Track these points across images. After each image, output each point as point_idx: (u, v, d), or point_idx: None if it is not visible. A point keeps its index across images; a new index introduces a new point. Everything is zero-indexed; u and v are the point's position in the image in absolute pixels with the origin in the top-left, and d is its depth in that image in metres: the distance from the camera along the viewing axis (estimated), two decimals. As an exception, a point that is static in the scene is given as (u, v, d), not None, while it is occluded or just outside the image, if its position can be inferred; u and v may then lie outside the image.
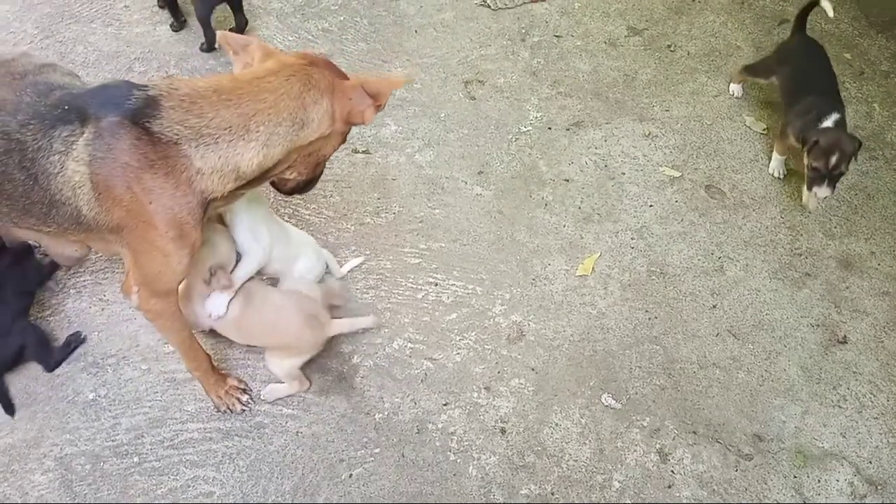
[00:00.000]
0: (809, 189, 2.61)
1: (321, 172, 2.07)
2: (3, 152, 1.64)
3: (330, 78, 1.77)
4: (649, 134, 3.00)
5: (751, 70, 3.06)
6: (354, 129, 2.90)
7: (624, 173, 2.87)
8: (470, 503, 2.11)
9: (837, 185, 2.59)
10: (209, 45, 3.11)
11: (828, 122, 2.59)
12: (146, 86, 1.67)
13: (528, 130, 2.99)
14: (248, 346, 2.27)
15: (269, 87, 1.68)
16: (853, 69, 3.31)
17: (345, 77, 1.84)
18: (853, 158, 2.53)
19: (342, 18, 3.34)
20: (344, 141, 1.95)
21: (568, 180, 2.84)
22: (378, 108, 1.86)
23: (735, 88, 3.16)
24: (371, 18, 3.34)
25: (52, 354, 2.27)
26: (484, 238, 2.67)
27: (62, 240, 1.92)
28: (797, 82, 2.81)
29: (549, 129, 3.00)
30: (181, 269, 1.79)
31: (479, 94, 3.10)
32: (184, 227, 1.69)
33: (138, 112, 1.60)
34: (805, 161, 2.59)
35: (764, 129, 3.03)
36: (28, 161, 1.64)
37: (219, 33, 1.94)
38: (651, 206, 2.78)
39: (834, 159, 2.50)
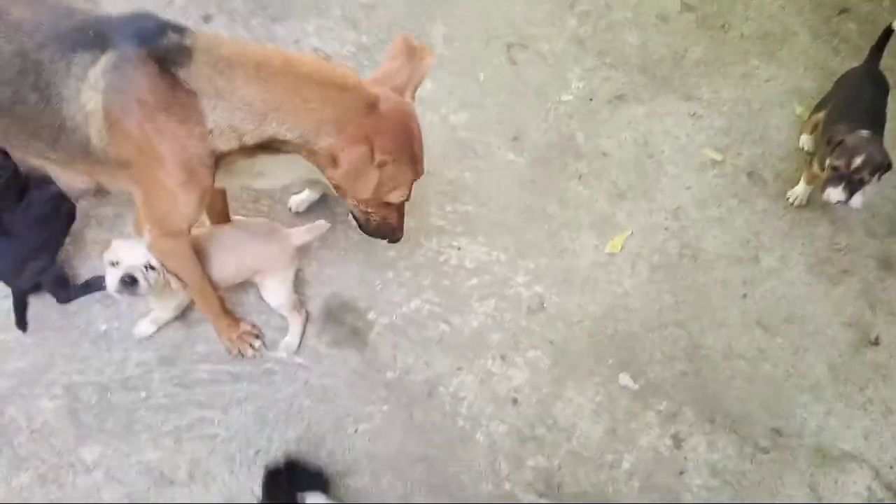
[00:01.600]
0: (823, 190, 2.35)
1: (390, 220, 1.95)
2: (18, 72, 1.60)
3: (363, 128, 1.64)
4: (694, 114, 2.88)
5: (816, 107, 2.73)
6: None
7: (664, 152, 2.77)
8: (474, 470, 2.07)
9: (857, 196, 2.33)
10: None
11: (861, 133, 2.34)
12: (184, 31, 1.61)
13: (568, 100, 2.89)
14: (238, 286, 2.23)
15: (306, 96, 1.60)
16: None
17: (391, 142, 1.68)
18: (879, 174, 2.30)
19: (388, -29, 3.25)
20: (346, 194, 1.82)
21: (605, 154, 2.75)
22: (344, 182, 1.72)
23: (805, 140, 2.78)
24: (418, -27, 3.25)
25: (69, 293, 2.25)
26: (513, 206, 2.59)
27: (70, 170, 1.88)
28: (842, 111, 2.50)
29: (591, 100, 2.90)
30: (189, 213, 1.74)
31: (521, 58, 3.00)
32: (193, 171, 1.65)
33: (167, 54, 1.56)
34: (826, 161, 2.34)
35: (815, 119, 2.91)
36: (43, 83, 1.59)
37: (400, 35, 1.83)
38: (689, 188, 2.68)
39: (858, 161, 2.25)
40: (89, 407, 2.12)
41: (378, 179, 1.71)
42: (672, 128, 2.84)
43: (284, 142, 1.67)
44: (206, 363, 2.19)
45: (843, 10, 3.31)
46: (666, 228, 2.58)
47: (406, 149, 1.74)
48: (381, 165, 1.69)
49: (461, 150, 2.71)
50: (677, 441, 2.16)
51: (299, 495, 1.90)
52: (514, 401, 2.19)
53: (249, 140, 1.65)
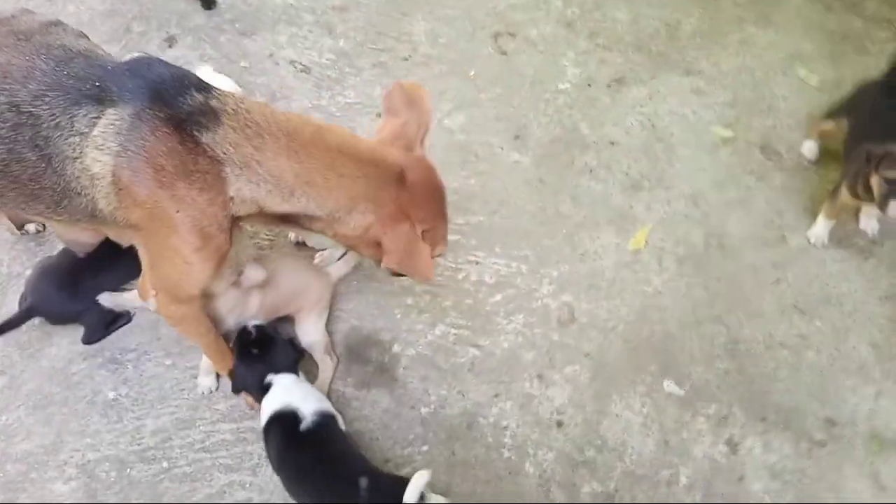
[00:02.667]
0: (885, 204, 2.07)
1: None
2: (12, 127, 1.39)
3: (398, 203, 1.55)
4: (697, 89, 2.76)
5: (830, 112, 2.49)
6: (376, 92, 2.68)
7: (673, 134, 2.65)
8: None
9: None
10: (208, 2, 2.81)
11: None
12: (209, 91, 1.45)
13: (566, 88, 2.75)
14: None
15: (340, 170, 1.49)
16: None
17: (424, 210, 1.60)
18: None
19: (357, -34, 3.04)
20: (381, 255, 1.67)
21: (613, 143, 2.62)
22: (398, 266, 1.63)
23: (809, 147, 2.59)
24: (389, -34, 3.04)
25: (102, 333, 2.13)
26: (525, 210, 2.46)
27: (76, 227, 1.69)
28: (869, 127, 2.26)
29: (589, 86, 2.76)
30: (204, 279, 1.59)
31: (511, 48, 2.84)
32: (210, 238, 1.49)
33: (191, 116, 1.39)
34: (873, 181, 2.10)
35: (819, 83, 2.80)
36: (41, 139, 1.39)
37: (394, 84, 1.68)
38: (704, 169, 2.57)
39: None
40: (109, 485, 1.96)
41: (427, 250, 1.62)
42: (677, 107, 2.72)
43: (310, 218, 1.55)
44: (228, 422, 2.04)
45: (833, -36, 3.19)
46: (687, 217, 2.47)
47: (440, 208, 1.66)
48: (424, 236, 1.60)
49: (462, 155, 2.56)
50: (732, 446, 2.07)
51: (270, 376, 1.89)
52: (559, 423, 2.08)
53: (272, 211, 1.51)
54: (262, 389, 1.89)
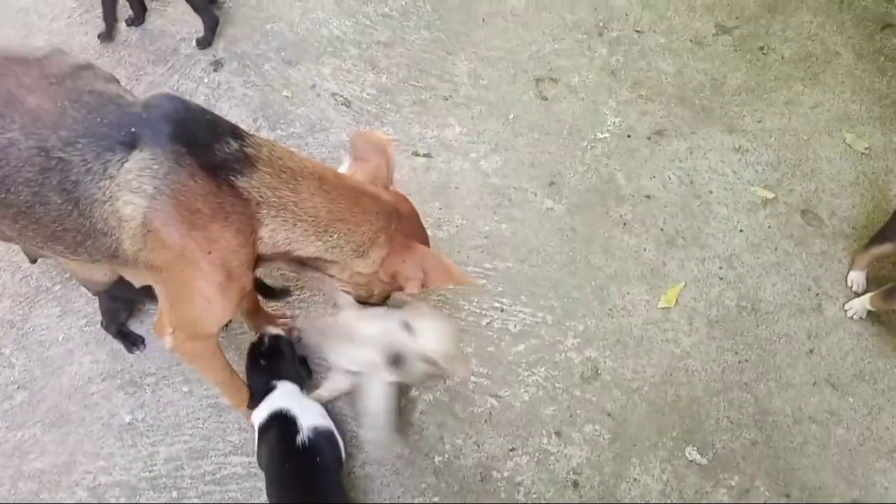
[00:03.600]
0: None
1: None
2: (40, 171, 1.41)
3: (402, 233, 1.68)
4: (739, 147, 2.71)
5: (878, 238, 2.33)
6: (415, 130, 2.68)
7: (711, 192, 2.60)
8: (538, 566, 1.91)
9: None
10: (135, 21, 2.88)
11: None
12: (244, 138, 1.49)
13: (605, 137, 2.72)
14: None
15: (364, 206, 1.61)
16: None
17: (417, 237, 1.74)
18: None
19: (404, 3, 3.07)
20: (390, 291, 1.81)
21: (649, 197, 2.58)
22: (423, 286, 1.71)
23: (856, 277, 2.38)
24: (435, 4, 3.07)
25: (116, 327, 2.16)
26: (555, 259, 2.42)
27: (91, 267, 1.72)
28: None
29: (629, 136, 2.73)
30: (225, 317, 1.65)
31: (552, 93, 2.83)
32: (236, 277, 1.52)
33: (227, 162, 1.44)
34: None
35: (866, 149, 2.73)
36: (70, 184, 1.41)
37: (357, 133, 1.86)
38: (741, 230, 2.51)
39: None
40: (117, 511, 1.95)
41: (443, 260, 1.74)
42: (717, 164, 2.67)
43: (328, 261, 1.63)
44: (240, 455, 2.03)
45: (887, 26, 3.14)
46: (721, 278, 2.41)
47: (425, 231, 1.82)
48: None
49: (495, 199, 2.55)
50: (753, 521, 2.00)
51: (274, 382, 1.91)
52: (575, 483, 2.03)
53: (299, 252, 1.56)
54: (264, 394, 1.91)
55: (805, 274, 2.43)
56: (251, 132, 1.55)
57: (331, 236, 1.57)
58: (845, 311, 2.34)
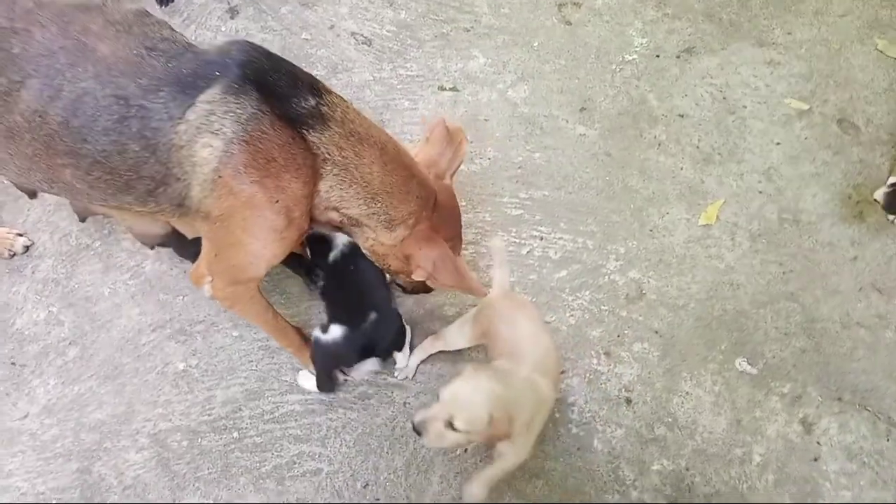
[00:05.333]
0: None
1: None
2: (119, 119, 1.41)
3: (430, 223, 1.71)
4: (771, 61, 2.65)
5: None
6: (439, 63, 2.64)
7: (745, 107, 2.55)
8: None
9: None
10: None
11: None
12: (321, 94, 1.52)
13: (633, 59, 2.67)
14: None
15: (409, 187, 1.65)
16: None
17: (445, 232, 1.76)
18: None
19: (415, -64, 2.98)
20: (401, 271, 1.82)
21: (682, 116, 2.54)
22: (428, 277, 1.75)
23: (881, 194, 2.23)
24: (448, -65, 2.98)
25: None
26: (591, 185, 2.40)
27: (148, 219, 1.72)
28: None
29: (658, 56, 2.67)
30: (275, 261, 1.66)
31: (576, 18, 2.77)
32: (295, 224, 1.56)
33: (302, 116, 1.48)
34: None
35: (901, 53, 2.67)
36: (150, 130, 1.42)
37: (439, 119, 1.83)
38: (778, 143, 2.48)
39: None
40: (180, 455, 1.99)
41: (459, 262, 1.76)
42: (750, 78, 2.62)
43: (361, 224, 1.67)
44: (296, 393, 2.06)
45: (913, -74, 3.03)
46: (760, 192, 2.38)
47: (459, 231, 1.85)
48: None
49: (526, 128, 2.51)
50: (807, 426, 2.02)
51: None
52: (628, 400, 2.05)
53: (345, 211, 1.62)
54: None
55: (844, 182, 2.40)
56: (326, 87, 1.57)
57: (375, 203, 1.61)
58: (888, 218, 2.31)
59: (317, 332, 1.88)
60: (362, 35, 2.71)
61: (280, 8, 2.77)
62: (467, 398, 1.56)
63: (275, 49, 2.67)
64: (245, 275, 1.65)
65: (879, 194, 2.21)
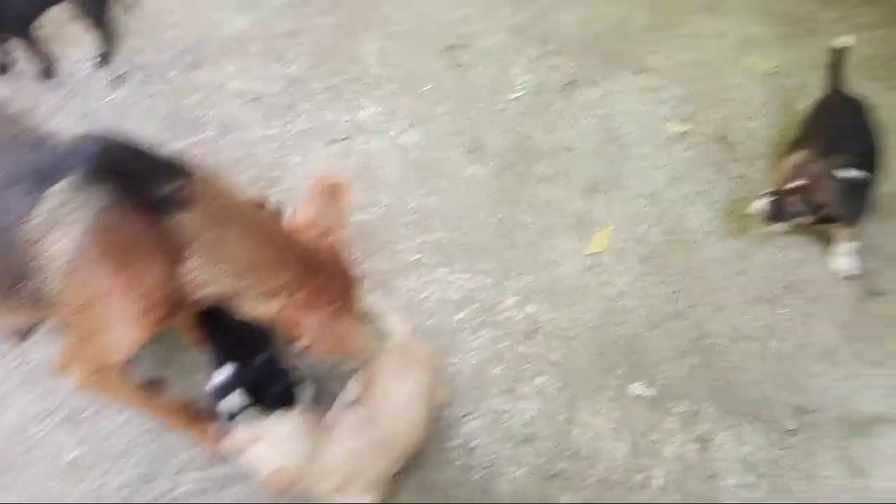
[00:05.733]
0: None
1: None
2: None
3: (311, 290, 1.65)
4: (651, 86, 2.76)
5: (793, 146, 2.36)
6: (329, 115, 2.67)
7: (628, 133, 2.64)
8: (504, 521, 1.95)
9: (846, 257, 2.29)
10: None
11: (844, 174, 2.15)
12: (185, 177, 1.52)
13: (519, 96, 2.75)
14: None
15: (283, 257, 1.62)
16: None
17: (329, 294, 1.70)
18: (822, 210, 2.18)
19: (303, -10, 3.04)
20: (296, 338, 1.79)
21: (568, 148, 2.61)
22: (311, 344, 1.71)
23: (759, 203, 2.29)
24: (335, -13, 3.05)
25: None
26: (486, 223, 2.45)
27: (11, 314, 1.71)
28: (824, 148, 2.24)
29: (542, 92, 2.75)
30: (136, 347, 1.63)
31: (463, 60, 2.84)
32: (154, 309, 1.54)
33: (162, 202, 1.47)
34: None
35: (773, 69, 2.79)
36: (7, 224, 1.43)
37: (319, 176, 1.83)
38: (662, 166, 2.56)
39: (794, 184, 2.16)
40: (80, 543, 1.94)
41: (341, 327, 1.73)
42: (631, 106, 2.71)
43: (237, 298, 1.64)
44: (191, 471, 2.02)
45: (779, -55, 3.19)
46: (647, 215, 2.46)
47: (346, 288, 1.78)
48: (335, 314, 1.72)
49: (419, 173, 2.56)
50: (704, 442, 2.07)
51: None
52: (530, 437, 2.07)
53: (212, 292, 1.59)
54: None
55: (727, 198, 2.49)
56: (183, 159, 1.58)
57: (245, 279, 1.59)
58: (768, 228, 2.39)
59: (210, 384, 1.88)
60: (251, 93, 2.74)
61: (167, 72, 2.78)
62: (274, 437, 1.61)
63: (163, 114, 2.70)
64: (108, 361, 1.63)
65: (759, 205, 2.28)
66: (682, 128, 2.65)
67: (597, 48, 2.86)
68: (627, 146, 2.61)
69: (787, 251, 2.39)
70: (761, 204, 2.26)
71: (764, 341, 2.23)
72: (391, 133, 2.65)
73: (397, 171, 2.56)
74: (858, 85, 2.63)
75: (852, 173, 2.14)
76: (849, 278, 2.31)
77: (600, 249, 2.39)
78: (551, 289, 2.32)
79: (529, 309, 2.28)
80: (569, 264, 2.37)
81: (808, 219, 2.21)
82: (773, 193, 2.24)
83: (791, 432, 2.08)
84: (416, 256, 2.38)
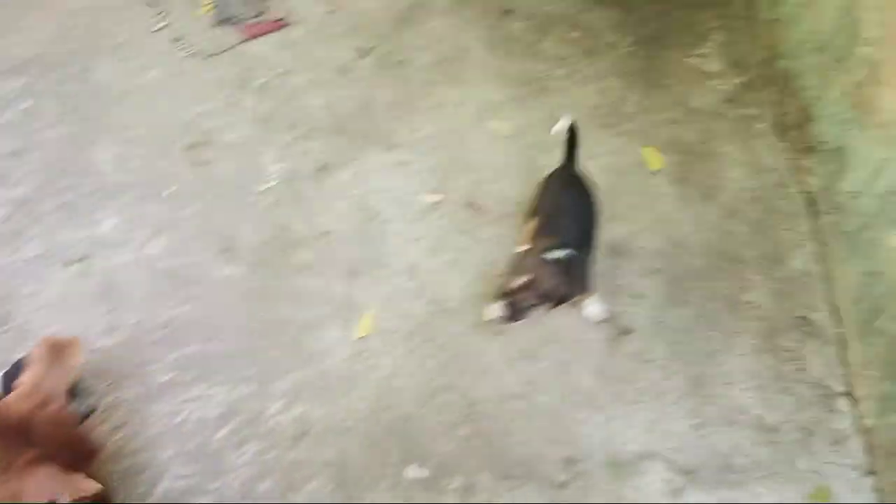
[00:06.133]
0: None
1: None
2: None
3: (26, 457, 1.58)
4: (401, 161, 2.82)
5: (530, 212, 2.44)
6: (64, 235, 2.49)
7: (383, 211, 2.68)
8: None
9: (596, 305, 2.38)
10: None
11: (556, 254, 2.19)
12: None
13: (271, 187, 2.71)
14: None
15: None
16: (582, 47, 3.33)
17: (49, 461, 1.62)
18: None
19: (27, 105, 2.85)
20: None
21: (326, 233, 2.60)
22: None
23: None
24: (63, 97, 2.88)
25: None
26: (245, 326, 2.36)
27: None
28: (548, 225, 2.32)
29: (294, 180, 2.73)
30: None
31: (208, 157, 2.76)
32: None
33: None
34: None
35: (510, 131, 2.96)
36: None
37: (42, 338, 1.76)
38: (418, 239, 2.61)
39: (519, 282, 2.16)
40: None
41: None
42: (384, 182, 2.76)
43: None
44: None
45: (507, 12, 3.43)
46: (408, 290, 2.49)
47: (76, 447, 1.73)
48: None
49: (169, 283, 2.43)
50: (482, 514, 2.08)
51: None
52: (307, 549, 1.99)
53: None
54: None
55: (482, 261, 2.58)
56: None
57: None
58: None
59: None
60: (-29, 224, 2.49)
61: None
62: None
63: None
64: None
65: (493, 312, 2.20)
66: (434, 198, 2.72)
67: (345, 129, 2.90)
68: (384, 223, 2.64)
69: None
70: (495, 310, 2.19)
71: (529, 398, 2.30)
72: (135, 244, 2.51)
73: (144, 284, 2.41)
74: (589, 133, 2.86)
75: (562, 254, 2.18)
76: (600, 322, 2.44)
77: (367, 333, 2.38)
78: (320, 384, 2.27)
79: (297, 410, 2.21)
80: (336, 354, 2.33)
81: (545, 306, 2.21)
82: (503, 295, 2.17)
83: (562, 485, 2.15)
84: (170, 375, 2.24)
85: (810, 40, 2.86)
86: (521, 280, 2.14)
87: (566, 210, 2.34)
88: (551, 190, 2.42)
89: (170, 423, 2.15)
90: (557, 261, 2.17)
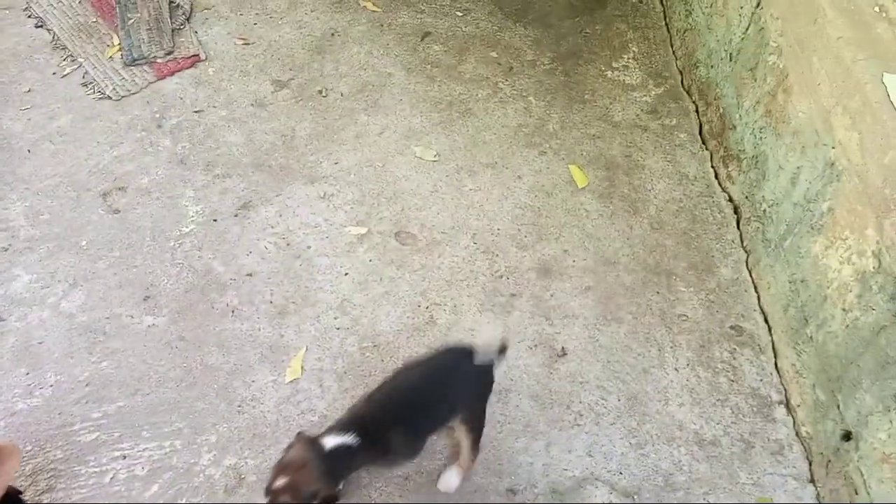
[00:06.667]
0: None
1: None
2: None
3: None
4: (325, 194, 2.78)
5: None
6: (-33, 303, 2.37)
7: (310, 247, 2.63)
8: None
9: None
10: None
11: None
12: None
13: (191, 230, 2.63)
14: None
15: None
16: (502, 66, 3.35)
17: None
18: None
19: (-75, 158, 2.71)
20: None
21: (251, 274, 2.54)
22: None
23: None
24: (-36, 149, 2.75)
25: None
26: (170, 377, 2.29)
27: None
28: None
29: (215, 220, 2.66)
30: None
31: (123, 203, 2.67)
32: None
33: None
34: None
35: (435, 156, 2.95)
36: None
37: None
38: (347, 273, 2.57)
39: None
40: None
41: None
42: (308, 217, 2.71)
43: None
44: None
45: (425, 35, 3.43)
46: (338, 328, 2.44)
47: None
48: None
49: (88, 338, 2.34)
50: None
51: None
52: None
53: None
54: None
55: (412, 292, 2.55)
56: None
57: None
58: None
59: None
60: None
61: None
62: None
63: None
64: None
65: None
66: (360, 230, 2.69)
67: (265, 164, 2.84)
68: (311, 259, 2.60)
69: (475, 332, 2.48)
70: None
71: (467, 428, 2.27)
72: (51, 300, 2.40)
73: (63, 342, 2.32)
74: (515, 153, 2.88)
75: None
76: (533, 348, 2.44)
77: (297, 376, 2.33)
78: (251, 431, 2.21)
79: (229, 461, 2.15)
80: (267, 400, 2.27)
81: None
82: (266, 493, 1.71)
83: (506, 515, 2.13)
84: (95, 435, 2.15)
85: (723, 49, 2.93)
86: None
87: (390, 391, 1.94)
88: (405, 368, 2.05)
89: (97, 482, 2.06)
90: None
